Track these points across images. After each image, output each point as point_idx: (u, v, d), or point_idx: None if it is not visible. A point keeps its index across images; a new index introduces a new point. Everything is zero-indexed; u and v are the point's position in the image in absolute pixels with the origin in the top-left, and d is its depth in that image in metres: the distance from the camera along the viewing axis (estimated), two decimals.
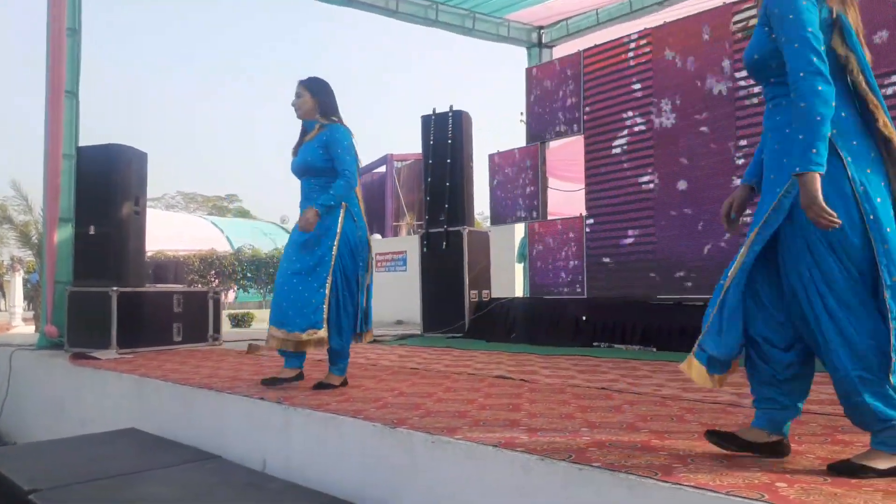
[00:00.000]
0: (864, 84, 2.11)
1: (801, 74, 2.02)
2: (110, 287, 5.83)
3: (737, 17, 6.32)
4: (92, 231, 6.07)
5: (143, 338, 6.08)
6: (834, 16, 2.12)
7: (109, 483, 3.07)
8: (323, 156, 3.94)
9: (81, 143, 6.46)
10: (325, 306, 3.82)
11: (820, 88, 2.00)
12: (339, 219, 3.90)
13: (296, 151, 4.08)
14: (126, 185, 6.21)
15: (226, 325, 7.01)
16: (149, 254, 7.01)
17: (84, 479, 3.12)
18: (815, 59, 2.02)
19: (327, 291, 3.83)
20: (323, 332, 3.81)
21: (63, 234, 6.36)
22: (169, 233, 20.61)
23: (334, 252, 3.86)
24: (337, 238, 3.87)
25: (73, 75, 6.55)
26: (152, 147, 6.56)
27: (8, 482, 3.12)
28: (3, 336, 10.06)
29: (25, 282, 17.92)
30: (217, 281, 21.01)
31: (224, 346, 6.58)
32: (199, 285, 18.23)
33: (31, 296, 17.86)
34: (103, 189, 6.12)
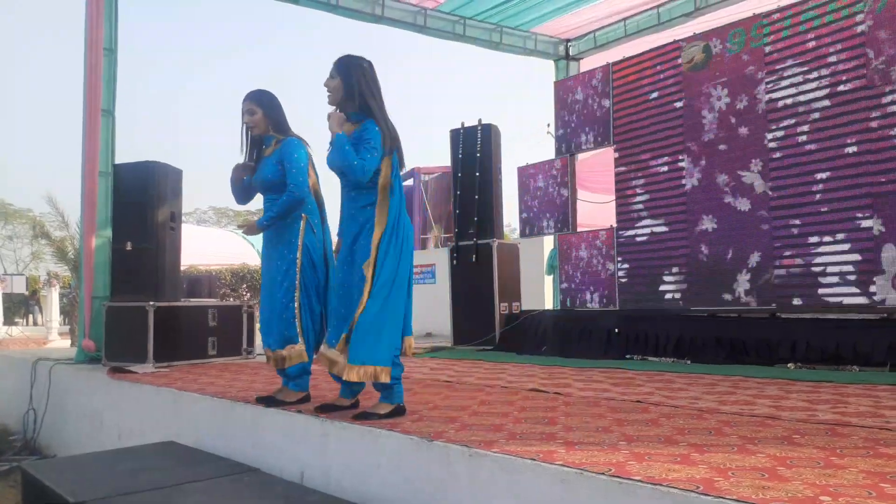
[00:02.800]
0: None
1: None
2: (147, 302, 5.92)
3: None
4: (129, 247, 6.18)
5: (178, 352, 6.16)
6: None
7: (150, 496, 3.12)
8: (280, 172, 3.91)
9: (118, 161, 6.59)
10: (298, 321, 3.86)
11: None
12: (300, 231, 3.92)
13: (255, 168, 4.04)
14: (162, 201, 6.32)
15: (258, 339, 7.07)
16: (182, 268, 7.10)
17: (125, 492, 3.17)
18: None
19: (297, 304, 3.86)
20: (301, 346, 3.85)
21: (100, 249, 6.47)
22: (201, 247, 20.82)
23: (298, 265, 3.88)
24: (299, 251, 3.90)
25: (110, 94, 6.68)
26: (184, 162, 6.67)
27: (53, 494, 3.19)
28: (42, 350, 10.24)
29: (62, 296, 18.23)
30: (249, 294, 21.16)
31: (257, 360, 6.64)
32: (232, 299, 18.41)
33: (67, 310, 18.16)
34: (139, 205, 6.23)
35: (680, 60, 6.91)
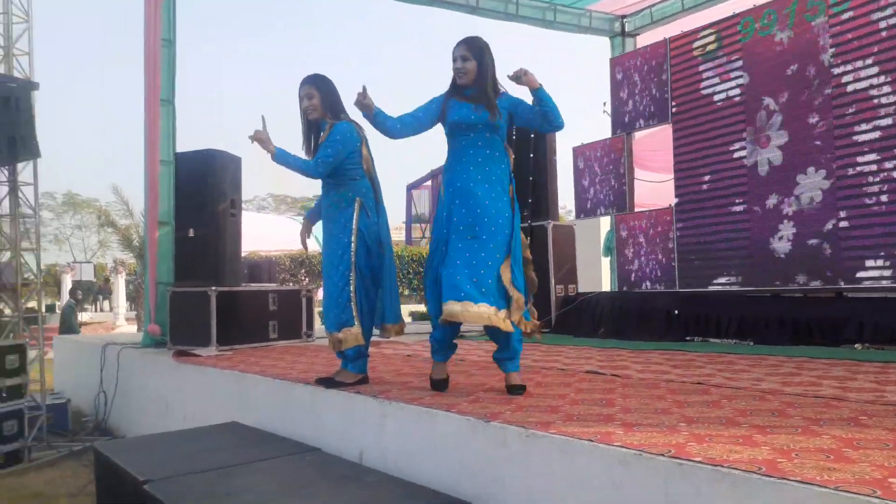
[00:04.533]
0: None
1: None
2: (209, 287, 6.06)
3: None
4: (191, 233, 6.34)
5: (240, 335, 6.29)
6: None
7: (215, 474, 3.20)
8: None
9: (179, 149, 6.74)
10: (354, 304, 3.89)
11: None
12: (354, 215, 3.93)
13: (314, 152, 4.06)
14: (222, 188, 6.45)
15: (317, 322, 7.19)
16: (243, 254, 7.25)
17: (192, 471, 3.26)
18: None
19: (352, 288, 3.89)
20: (357, 329, 3.88)
21: (163, 237, 6.64)
22: (261, 233, 21.20)
23: (353, 248, 3.90)
24: (353, 235, 3.91)
25: (169, 84, 6.82)
26: (244, 150, 6.79)
27: (124, 472, 3.30)
28: (110, 335, 10.60)
29: (128, 283, 18.81)
30: (307, 279, 21.52)
31: (317, 343, 6.75)
32: (291, 284, 18.72)
33: (133, 296, 18.76)
34: (200, 193, 6.38)
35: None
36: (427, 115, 3.65)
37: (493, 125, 3.55)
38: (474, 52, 3.55)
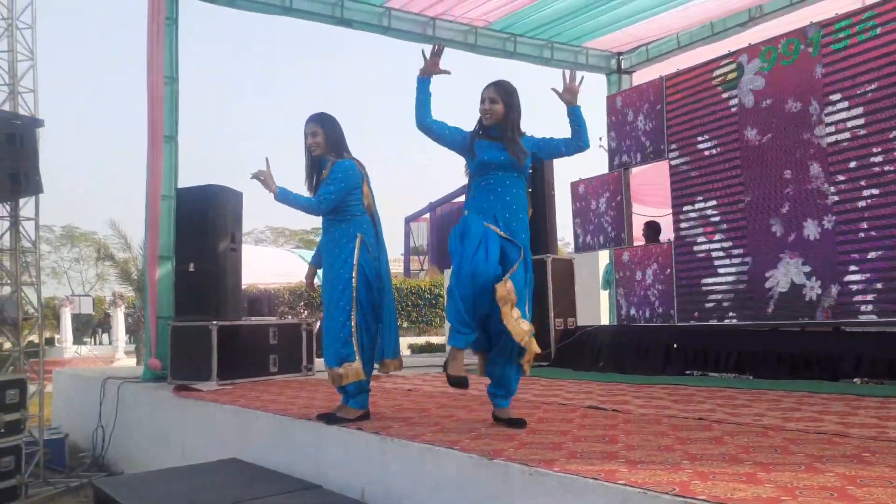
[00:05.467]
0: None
1: None
2: (210, 321, 6.07)
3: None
4: (191, 268, 6.36)
5: (241, 369, 6.28)
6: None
7: None
8: None
9: (181, 184, 6.79)
10: (355, 339, 3.92)
11: None
12: (355, 250, 3.98)
13: (315, 190, 4.09)
14: (223, 223, 6.48)
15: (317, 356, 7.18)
16: (242, 287, 7.27)
17: None
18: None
19: (353, 323, 3.92)
20: (358, 364, 3.89)
21: (164, 271, 6.67)
22: (259, 266, 21.21)
23: (354, 284, 3.94)
24: (354, 270, 3.95)
25: (172, 121, 6.91)
26: (241, 184, 6.83)
27: None
28: (110, 369, 10.55)
29: (127, 316, 18.77)
30: (307, 312, 21.49)
31: (317, 377, 6.73)
32: (290, 317, 18.68)
33: (132, 329, 18.70)
34: (201, 228, 6.41)
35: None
36: (456, 135, 3.72)
37: (521, 167, 3.66)
38: (503, 96, 3.65)
